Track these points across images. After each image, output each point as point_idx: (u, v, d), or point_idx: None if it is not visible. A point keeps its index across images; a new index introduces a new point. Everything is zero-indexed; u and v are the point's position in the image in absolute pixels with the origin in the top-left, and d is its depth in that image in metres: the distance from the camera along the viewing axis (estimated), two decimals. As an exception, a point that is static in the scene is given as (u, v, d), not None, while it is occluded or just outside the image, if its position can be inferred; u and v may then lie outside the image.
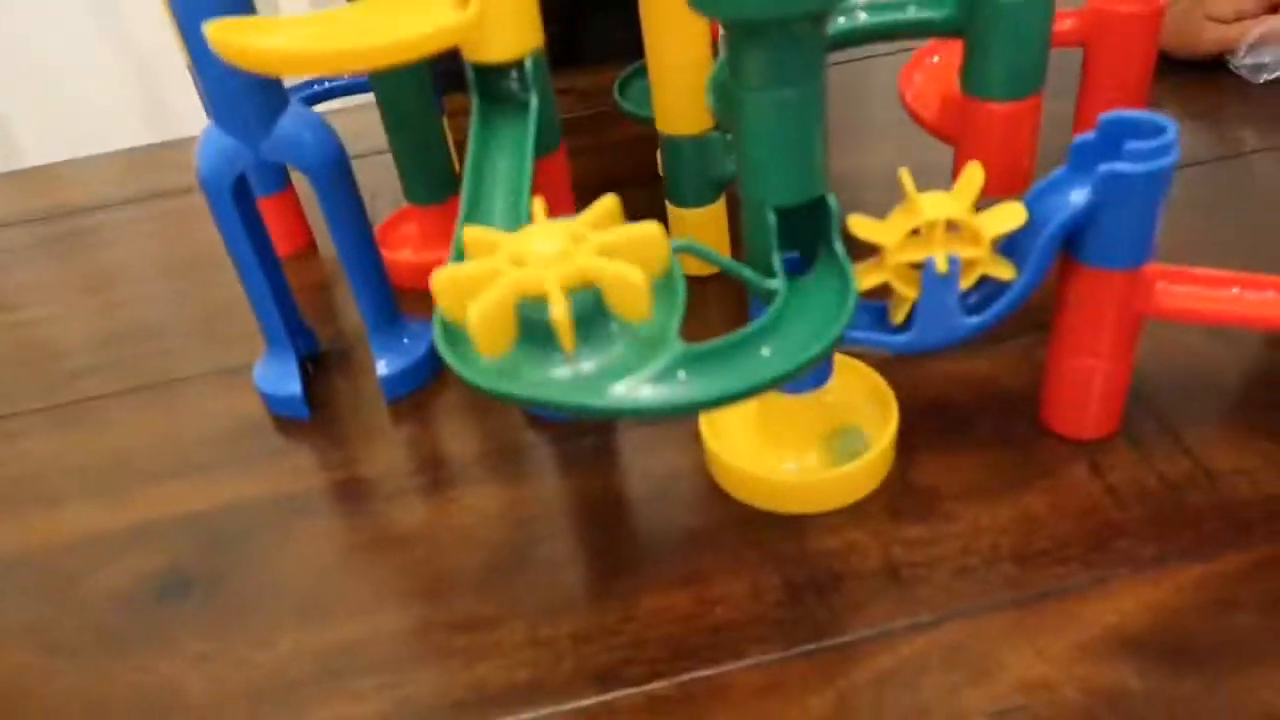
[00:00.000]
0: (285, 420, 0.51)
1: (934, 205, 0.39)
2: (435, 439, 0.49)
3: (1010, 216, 0.39)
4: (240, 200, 0.45)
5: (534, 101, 0.40)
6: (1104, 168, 0.37)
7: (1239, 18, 0.66)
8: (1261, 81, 0.66)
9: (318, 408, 0.51)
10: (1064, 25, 0.49)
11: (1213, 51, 0.67)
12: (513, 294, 0.30)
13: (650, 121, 0.60)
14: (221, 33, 0.34)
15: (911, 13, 0.42)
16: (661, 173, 0.67)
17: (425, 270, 0.61)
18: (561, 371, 0.30)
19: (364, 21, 0.37)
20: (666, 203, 0.57)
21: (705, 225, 0.57)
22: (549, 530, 0.43)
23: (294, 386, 0.50)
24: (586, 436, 0.47)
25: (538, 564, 0.41)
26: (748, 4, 0.31)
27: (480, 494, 0.45)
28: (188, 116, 1.08)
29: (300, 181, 0.67)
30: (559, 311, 0.29)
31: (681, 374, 0.30)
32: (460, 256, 0.36)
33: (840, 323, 0.33)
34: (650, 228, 0.32)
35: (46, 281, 0.69)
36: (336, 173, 0.45)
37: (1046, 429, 0.44)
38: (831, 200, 0.37)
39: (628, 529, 0.42)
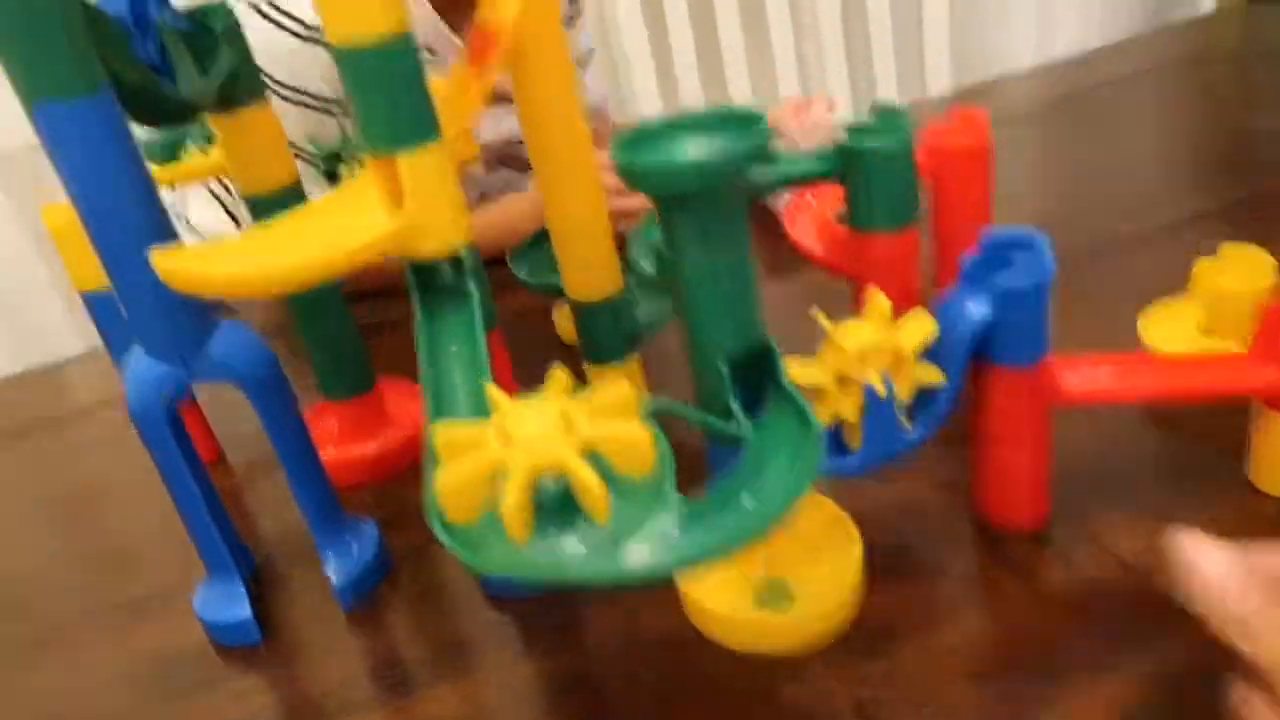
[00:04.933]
0: (217, 646, 0.48)
1: (855, 336, 0.42)
2: (390, 640, 0.47)
3: (922, 327, 0.43)
4: (172, 425, 0.44)
5: (474, 288, 0.41)
6: (1001, 282, 0.41)
7: None
8: None
9: (263, 627, 0.49)
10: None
11: None
12: (531, 477, 0.30)
13: (551, 289, 0.63)
14: (168, 262, 0.35)
15: (803, 166, 0.46)
16: (563, 337, 0.70)
17: (352, 466, 0.61)
18: (575, 544, 0.31)
19: (301, 234, 0.38)
20: (584, 364, 0.59)
21: (625, 379, 0.59)
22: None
23: (243, 610, 0.47)
24: (551, 612, 0.47)
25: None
26: (676, 180, 0.34)
27: (438, 694, 0.44)
28: (53, 338, 1.03)
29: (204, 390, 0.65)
30: (589, 477, 0.30)
31: (682, 529, 0.31)
32: (435, 459, 0.35)
33: (814, 461, 0.35)
34: (622, 388, 0.34)
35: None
36: (273, 384, 0.45)
37: (985, 525, 0.47)
38: (774, 344, 0.40)
39: (596, 699, 0.42)
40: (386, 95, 0.37)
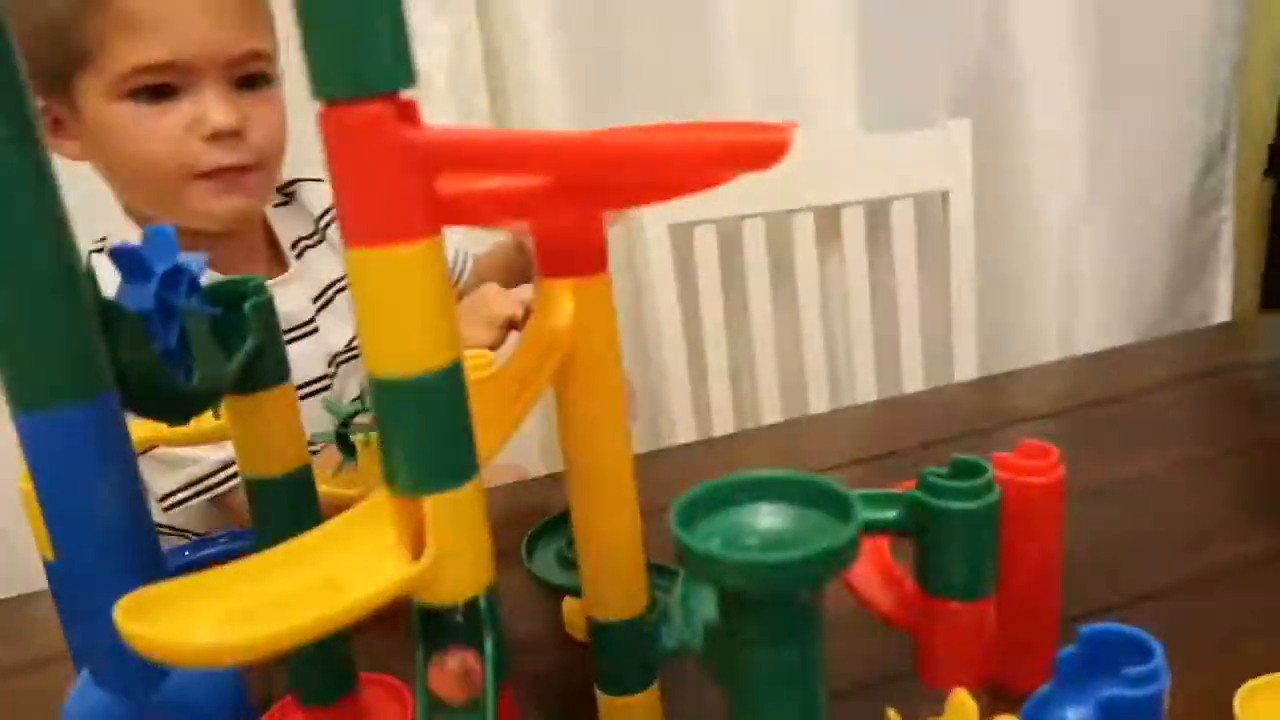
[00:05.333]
0: None
1: (937, 741, 0.36)
2: None
3: (1011, 742, 0.37)
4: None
5: (490, 645, 0.35)
6: (1109, 693, 0.35)
7: None
8: None
9: None
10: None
11: None
12: None
13: (571, 592, 0.57)
14: (135, 625, 0.29)
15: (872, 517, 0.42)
16: (572, 632, 0.63)
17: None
18: None
19: (297, 585, 0.33)
20: (596, 690, 0.52)
21: (639, 712, 0.52)
22: None
23: None
24: None
25: None
26: (761, 579, 0.29)
27: None
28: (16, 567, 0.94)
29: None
30: None
31: None
32: None
33: None
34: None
35: None
36: (238, 728, 0.38)
37: None
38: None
39: None
40: (421, 435, 0.33)
